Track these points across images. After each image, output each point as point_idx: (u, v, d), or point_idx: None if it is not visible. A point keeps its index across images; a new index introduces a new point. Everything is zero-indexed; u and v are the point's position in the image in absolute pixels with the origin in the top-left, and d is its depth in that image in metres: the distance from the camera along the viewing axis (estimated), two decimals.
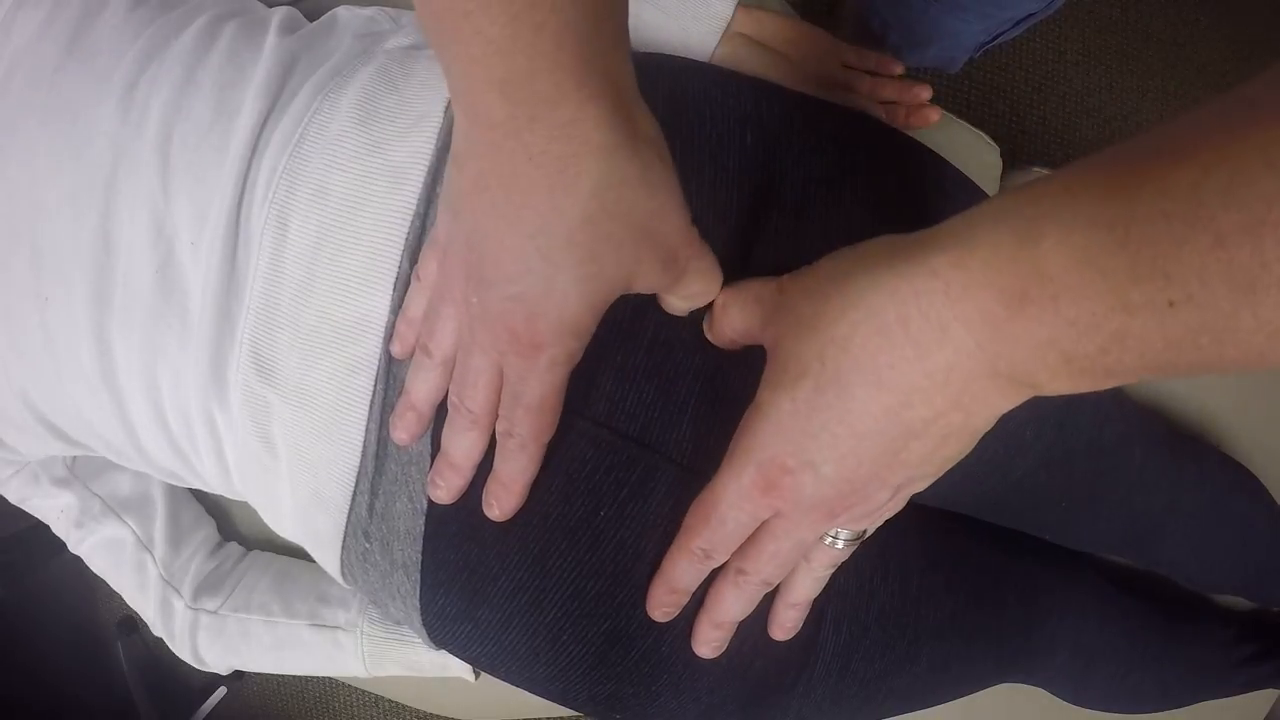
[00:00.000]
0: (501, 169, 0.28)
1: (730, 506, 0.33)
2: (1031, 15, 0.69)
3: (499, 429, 0.35)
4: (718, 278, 0.36)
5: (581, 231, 0.29)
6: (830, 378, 0.29)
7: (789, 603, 0.39)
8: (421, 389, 0.37)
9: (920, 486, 0.33)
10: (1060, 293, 0.24)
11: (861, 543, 0.36)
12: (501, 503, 0.37)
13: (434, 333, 0.36)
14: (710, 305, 0.37)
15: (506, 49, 0.25)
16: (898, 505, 0.34)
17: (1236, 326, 0.21)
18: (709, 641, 0.39)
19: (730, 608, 0.37)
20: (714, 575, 0.37)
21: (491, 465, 0.37)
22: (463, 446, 0.36)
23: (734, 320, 0.35)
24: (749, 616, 0.38)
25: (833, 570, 0.37)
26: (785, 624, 0.39)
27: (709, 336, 0.37)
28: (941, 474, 0.33)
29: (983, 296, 0.26)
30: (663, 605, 0.37)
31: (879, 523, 0.35)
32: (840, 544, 0.36)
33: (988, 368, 0.27)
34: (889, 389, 0.28)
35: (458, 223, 0.32)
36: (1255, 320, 0.21)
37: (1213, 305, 0.21)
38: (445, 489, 0.38)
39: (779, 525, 0.34)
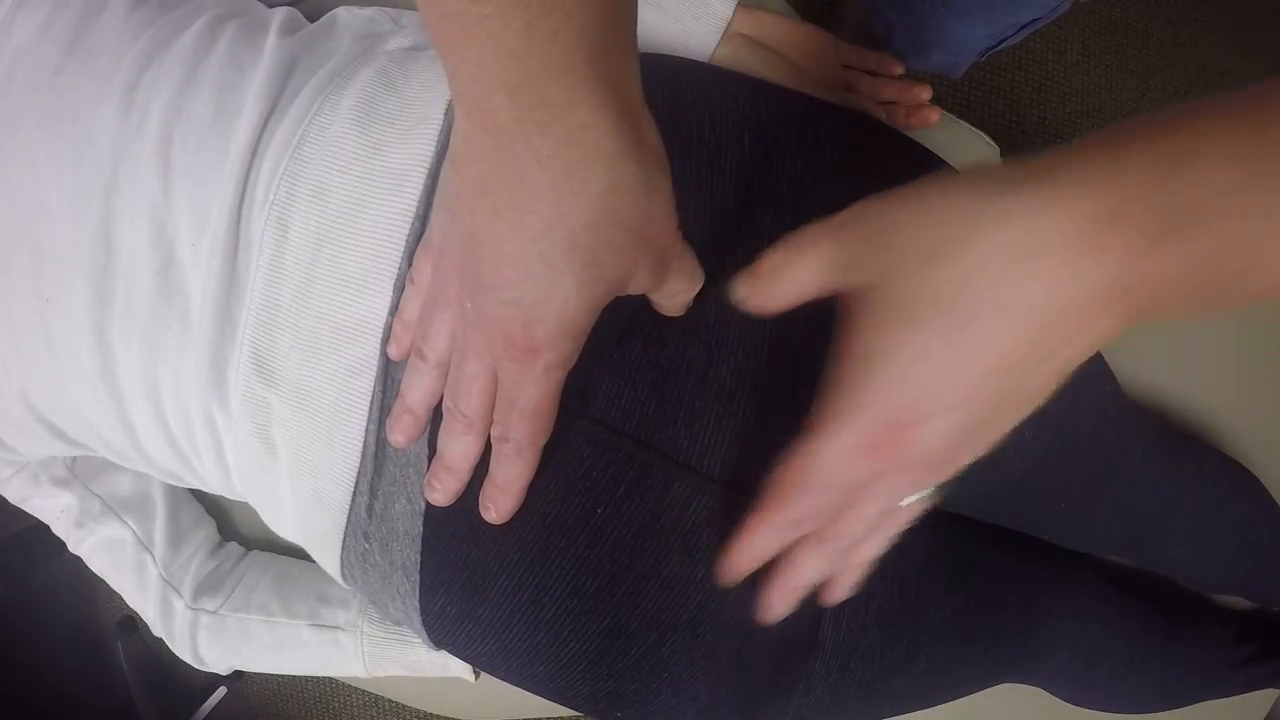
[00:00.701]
0: (506, 173, 0.28)
1: (832, 472, 0.30)
2: (1036, 20, 0.69)
3: (494, 434, 0.35)
4: (700, 276, 0.36)
5: (586, 235, 0.29)
6: (958, 314, 0.27)
7: (858, 562, 0.36)
8: (417, 393, 0.37)
9: (1004, 432, 0.31)
10: (1212, 220, 0.24)
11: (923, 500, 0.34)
12: (499, 506, 0.37)
13: (428, 336, 0.36)
14: (700, 295, 0.36)
15: (520, 54, 0.25)
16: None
17: None
18: (781, 605, 0.36)
19: (808, 574, 0.35)
20: None
21: (488, 465, 0.37)
22: (458, 451, 0.36)
23: (799, 278, 0.32)
24: (748, 612, 0.38)
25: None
26: (847, 585, 0.37)
27: (752, 307, 0.33)
28: (1024, 418, 0.30)
29: (1124, 228, 0.25)
30: (737, 573, 0.35)
31: None
32: (927, 498, 0.33)
33: (1114, 297, 0.26)
34: (1018, 323, 0.27)
35: (454, 225, 0.31)
36: None
37: None
38: (442, 491, 0.38)
39: (882, 485, 0.31)
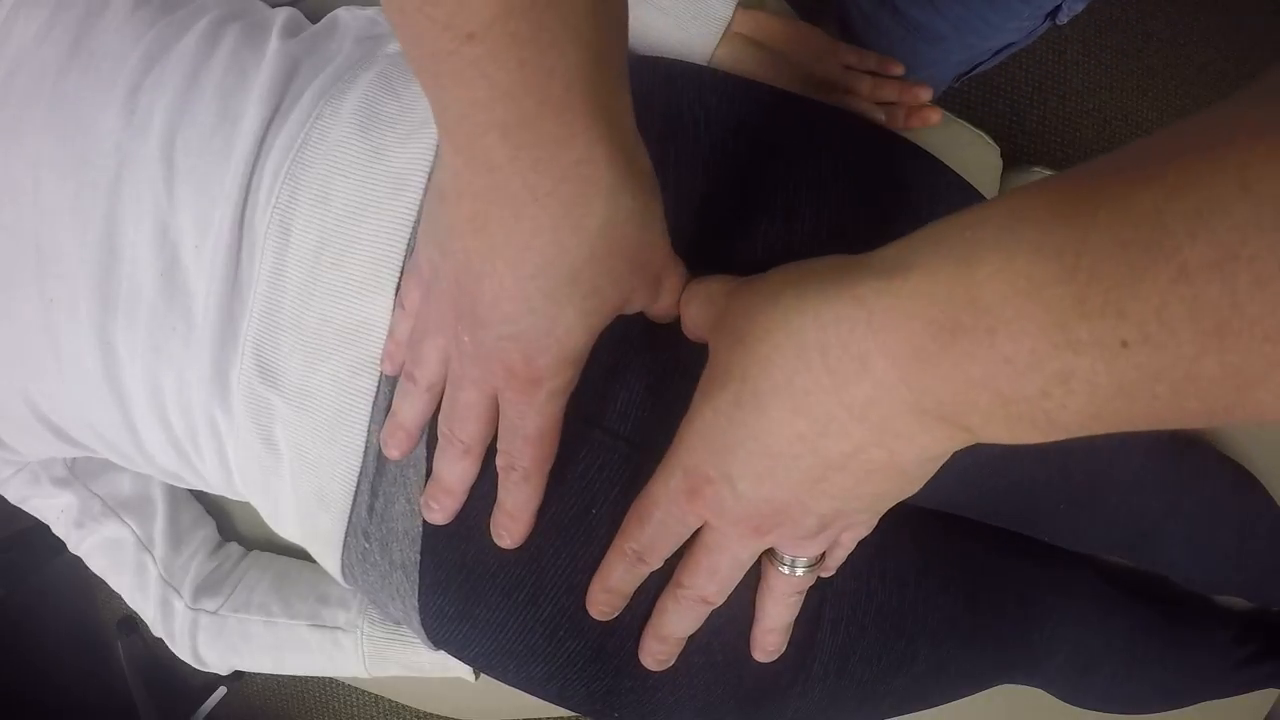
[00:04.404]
0: (503, 210, 0.28)
1: (658, 508, 0.33)
2: (1011, 45, 0.68)
3: (500, 463, 0.35)
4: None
5: (586, 269, 0.29)
6: (749, 394, 0.28)
7: (765, 629, 0.38)
8: (409, 414, 0.37)
9: (859, 520, 0.33)
10: (997, 326, 0.21)
11: (816, 568, 0.36)
12: (512, 533, 0.37)
13: (419, 361, 0.36)
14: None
15: (515, 94, 0.25)
16: (834, 536, 0.34)
17: (1199, 374, 0.18)
18: (652, 653, 0.38)
19: (671, 621, 0.37)
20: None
21: (487, 475, 0.37)
22: (456, 474, 0.37)
23: (693, 316, 0.35)
24: (740, 618, 0.38)
25: (799, 596, 0.37)
26: (766, 647, 0.39)
27: (683, 329, 0.36)
28: (882, 511, 0.32)
29: (910, 327, 0.24)
30: (598, 603, 0.37)
31: (821, 549, 0.34)
32: (799, 571, 0.35)
33: (912, 405, 0.25)
34: (805, 416, 0.27)
35: (446, 261, 0.31)
36: (1221, 368, 0.18)
37: (1173, 348, 0.18)
38: (440, 511, 0.38)
39: (709, 537, 0.33)
